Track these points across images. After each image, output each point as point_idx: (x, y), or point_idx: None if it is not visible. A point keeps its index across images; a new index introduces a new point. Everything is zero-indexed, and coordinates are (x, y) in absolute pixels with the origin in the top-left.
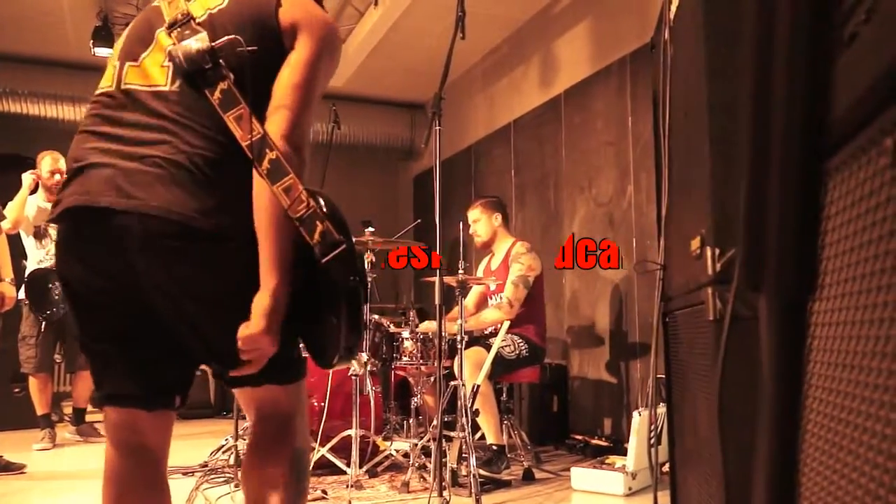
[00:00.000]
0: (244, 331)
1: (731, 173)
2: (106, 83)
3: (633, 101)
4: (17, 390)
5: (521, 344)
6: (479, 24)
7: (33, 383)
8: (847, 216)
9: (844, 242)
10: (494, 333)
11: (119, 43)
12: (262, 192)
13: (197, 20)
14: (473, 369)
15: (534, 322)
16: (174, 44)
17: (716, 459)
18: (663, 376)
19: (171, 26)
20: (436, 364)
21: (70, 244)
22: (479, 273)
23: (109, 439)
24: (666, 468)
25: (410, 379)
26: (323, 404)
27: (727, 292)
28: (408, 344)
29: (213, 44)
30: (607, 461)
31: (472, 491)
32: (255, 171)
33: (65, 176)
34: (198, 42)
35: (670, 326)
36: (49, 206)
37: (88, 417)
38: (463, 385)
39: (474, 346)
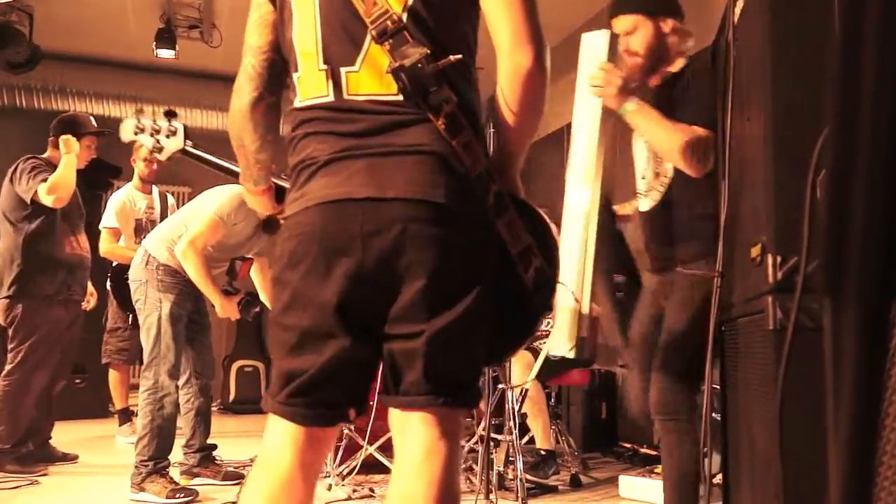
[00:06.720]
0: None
1: (794, 178)
2: (319, 92)
3: None
4: (77, 381)
5: None
6: None
7: (115, 376)
8: None
9: None
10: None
11: (303, 34)
12: (513, 111)
13: (403, 14)
14: (522, 372)
15: None
16: (391, 60)
17: (774, 473)
18: (718, 386)
19: (382, 36)
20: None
21: (315, 239)
22: None
23: (284, 445)
24: (717, 479)
25: None
26: (371, 403)
27: (789, 301)
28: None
29: (439, 64)
30: (656, 470)
31: (519, 495)
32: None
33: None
34: (422, 63)
35: (727, 335)
36: (143, 195)
37: None
38: (511, 388)
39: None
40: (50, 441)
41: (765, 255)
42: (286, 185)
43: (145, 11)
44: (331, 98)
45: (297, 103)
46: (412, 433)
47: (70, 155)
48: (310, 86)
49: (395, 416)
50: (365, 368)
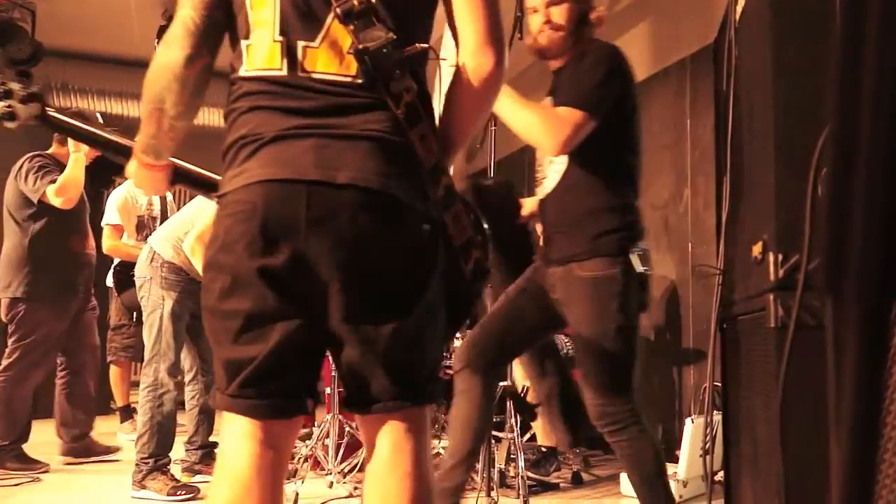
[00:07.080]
0: None
1: (795, 176)
2: (270, 63)
3: (693, 105)
4: None
5: (570, 344)
6: None
7: (117, 373)
8: None
9: None
10: None
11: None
12: (466, 97)
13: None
14: (524, 370)
15: None
16: (354, 41)
17: (775, 470)
18: (719, 384)
19: (347, 16)
20: None
21: (255, 217)
22: None
23: (242, 445)
24: (719, 477)
25: None
26: None
27: (790, 299)
28: (457, 343)
29: (405, 51)
30: None
31: (520, 493)
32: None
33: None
34: (387, 48)
35: (728, 333)
36: (143, 192)
37: None
38: (513, 386)
39: None
40: (90, 434)
41: (766, 253)
42: (187, 165)
43: (147, 9)
44: (283, 72)
45: (244, 72)
46: (381, 433)
47: (79, 154)
48: (260, 56)
49: (363, 417)
50: (314, 355)
